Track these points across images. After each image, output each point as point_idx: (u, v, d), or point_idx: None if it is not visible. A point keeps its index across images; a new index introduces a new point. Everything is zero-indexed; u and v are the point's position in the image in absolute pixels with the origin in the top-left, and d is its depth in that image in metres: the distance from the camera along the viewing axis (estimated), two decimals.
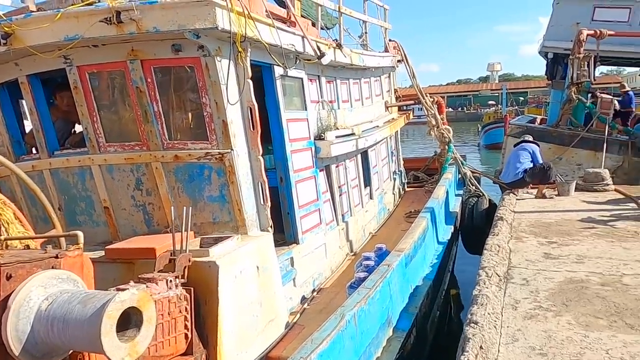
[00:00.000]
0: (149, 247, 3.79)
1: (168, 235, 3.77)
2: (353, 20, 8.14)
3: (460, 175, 9.67)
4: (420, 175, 11.24)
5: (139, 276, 3.35)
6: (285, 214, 5.27)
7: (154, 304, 2.08)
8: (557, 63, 11.94)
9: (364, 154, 7.82)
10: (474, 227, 8.61)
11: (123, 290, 2.17)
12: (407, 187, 10.66)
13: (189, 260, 3.63)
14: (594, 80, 10.94)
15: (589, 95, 11.00)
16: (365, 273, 4.57)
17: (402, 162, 10.27)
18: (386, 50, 8.89)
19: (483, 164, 25.23)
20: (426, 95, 9.38)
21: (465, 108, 71.81)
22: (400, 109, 9.80)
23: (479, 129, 36.18)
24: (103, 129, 4.35)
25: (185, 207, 3.71)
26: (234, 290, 3.75)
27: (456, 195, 9.32)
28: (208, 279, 3.60)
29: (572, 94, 10.46)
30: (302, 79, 5.46)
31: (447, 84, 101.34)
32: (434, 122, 9.24)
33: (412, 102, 9.53)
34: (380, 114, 8.57)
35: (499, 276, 3.90)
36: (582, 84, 10.48)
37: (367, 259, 5.12)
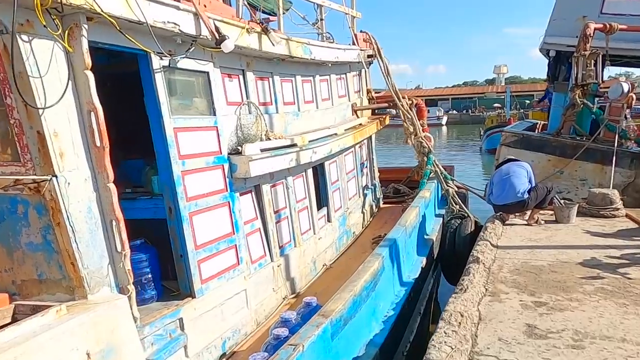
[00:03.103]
0: None
1: None
2: (311, 6, 6.76)
3: (443, 192, 8.22)
4: (401, 188, 9.80)
5: None
6: (177, 257, 3.88)
7: None
8: (559, 62, 10.44)
9: (320, 168, 6.43)
10: (455, 255, 7.18)
11: None
12: (384, 202, 9.24)
13: None
14: (602, 82, 9.47)
15: (596, 99, 9.54)
16: (266, 354, 3.17)
17: (377, 174, 8.84)
18: (354, 43, 7.48)
19: (485, 169, 23.83)
20: (403, 98, 7.96)
21: (470, 110, 70.10)
22: (374, 112, 8.38)
23: (481, 133, 34.67)
24: None
25: None
26: None
27: (437, 215, 7.89)
28: None
29: (577, 97, 8.98)
30: (207, 73, 4.07)
31: (453, 86, 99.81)
32: (411, 129, 7.82)
33: (385, 104, 8.10)
34: (344, 119, 7.16)
35: None
36: (588, 86, 9.00)
37: (285, 322, 3.71)
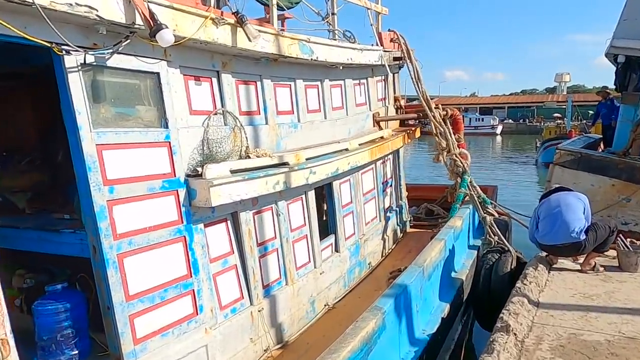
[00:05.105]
0: None
1: None
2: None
3: (480, 219, 7.01)
4: (435, 209, 8.63)
5: None
6: (103, 310, 3.03)
7: None
8: (629, 69, 8.90)
9: (327, 189, 5.46)
10: (490, 296, 5.97)
11: None
12: (415, 224, 8.12)
13: None
14: None
15: None
16: None
17: (404, 194, 7.73)
18: (380, 44, 6.46)
19: (541, 183, 22.03)
20: (436, 107, 6.84)
21: (527, 120, 66.60)
22: (403, 123, 7.31)
23: (537, 145, 32.38)
24: None
25: None
26: None
27: (470, 247, 6.70)
28: None
29: None
30: (157, 74, 3.21)
31: (510, 94, 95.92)
32: (443, 145, 6.69)
33: (414, 115, 7.00)
34: (362, 131, 6.14)
35: None
36: None
37: None
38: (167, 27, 2.75)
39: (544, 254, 5.43)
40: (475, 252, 6.55)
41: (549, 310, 3.93)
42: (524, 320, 3.57)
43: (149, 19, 2.73)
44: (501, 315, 3.68)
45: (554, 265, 5.16)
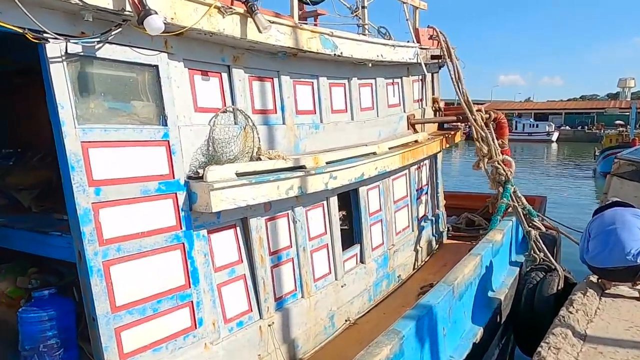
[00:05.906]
0: None
1: None
2: None
3: (525, 232, 6.41)
4: (476, 219, 8.06)
5: None
6: (89, 321, 2.80)
7: None
8: None
9: (353, 195, 5.09)
10: (533, 320, 5.39)
11: None
12: (454, 235, 7.59)
13: None
14: None
15: None
16: None
17: (441, 202, 7.23)
18: (417, 41, 6.02)
19: (598, 196, 20.66)
20: (478, 111, 6.31)
21: (586, 127, 63.25)
22: (441, 127, 6.82)
23: (596, 153, 30.48)
24: None
25: None
26: None
27: (512, 263, 6.12)
28: None
29: None
30: (156, 66, 2.97)
31: (568, 100, 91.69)
32: (485, 151, 6.15)
33: (453, 118, 6.49)
34: (395, 134, 5.73)
35: None
36: None
37: None
38: (155, 13, 2.49)
39: (596, 277, 4.82)
40: (517, 269, 5.97)
41: (598, 345, 3.38)
42: (566, 357, 3.06)
43: (137, 3, 2.47)
44: (539, 349, 3.18)
45: (607, 291, 4.54)
